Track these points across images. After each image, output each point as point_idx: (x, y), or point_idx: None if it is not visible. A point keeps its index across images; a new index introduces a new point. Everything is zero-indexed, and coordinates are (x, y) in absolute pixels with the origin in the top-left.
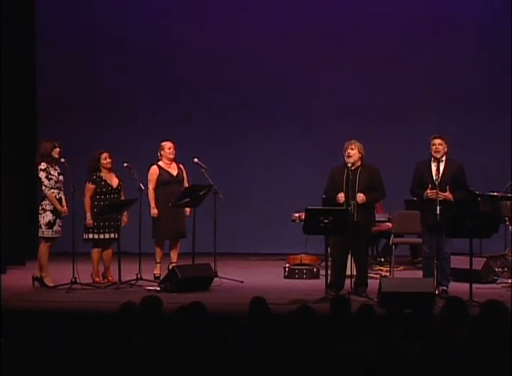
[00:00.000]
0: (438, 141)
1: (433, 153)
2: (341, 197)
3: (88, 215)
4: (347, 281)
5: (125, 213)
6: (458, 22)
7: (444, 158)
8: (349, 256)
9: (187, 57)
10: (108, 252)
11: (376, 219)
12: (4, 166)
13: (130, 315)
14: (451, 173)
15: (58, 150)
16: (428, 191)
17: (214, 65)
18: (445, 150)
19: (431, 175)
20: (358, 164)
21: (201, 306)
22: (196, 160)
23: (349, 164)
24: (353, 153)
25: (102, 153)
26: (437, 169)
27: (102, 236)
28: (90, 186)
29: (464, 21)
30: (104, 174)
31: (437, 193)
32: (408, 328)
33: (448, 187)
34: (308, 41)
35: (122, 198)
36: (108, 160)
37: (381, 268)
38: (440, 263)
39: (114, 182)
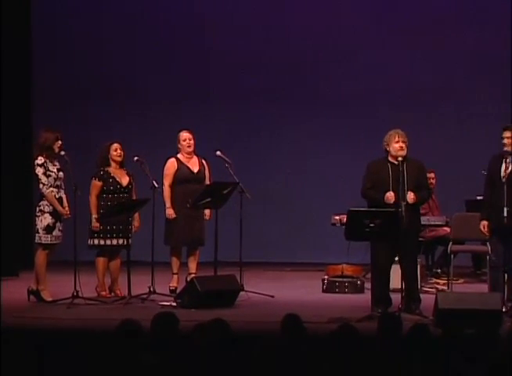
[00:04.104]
0: (507, 134)
1: (505, 148)
2: (391, 196)
3: (94, 216)
4: (397, 296)
5: (136, 216)
6: None
7: None
8: (394, 267)
9: (210, 36)
10: (116, 261)
11: (432, 223)
12: None
13: (132, 336)
14: None
15: (60, 143)
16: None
17: (239, 45)
18: None
19: (499, 173)
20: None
21: (223, 324)
22: (218, 153)
23: (399, 159)
24: (405, 146)
25: (113, 143)
26: (505, 165)
27: (109, 242)
28: (96, 183)
29: None
30: (113, 169)
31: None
32: (469, 352)
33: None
34: (347, 19)
35: (134, 198)
36: (119, 152)
37: (437, 280)
38: (509, 275)
39: (124, 179)
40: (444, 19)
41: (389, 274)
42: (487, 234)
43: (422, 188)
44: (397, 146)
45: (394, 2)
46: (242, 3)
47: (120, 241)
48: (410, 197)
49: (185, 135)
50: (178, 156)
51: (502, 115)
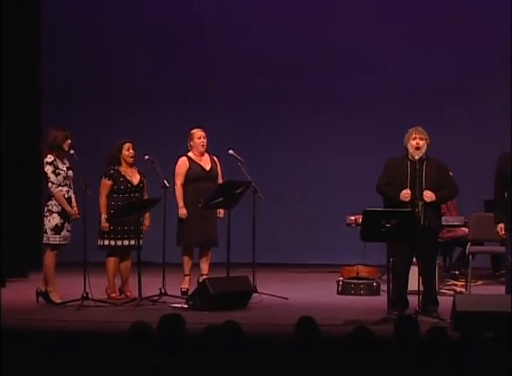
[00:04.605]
0: None
1: None
2: (407, 193)
3: (104, 216)
4: (413, 298)
5: (147, 215)
6: None
7: None
8: (412, 268)
9: (217, 33)
10: (126, 262)
11: (450, 223)
12: (2, 160)
13: (142, 338)
14: None
15: (69, 141)
16: None
17: (247, 43)
18: None
19: None
20: (423, 156)
21: (235, 327)
22: (231, 151)
23: (416, 157)
24: (422, 144)
25: (126, 143)
26: None
27: (120, 243)
28: (106, 183)
29: None
30: (124, 168)
31: None
32: (488, 355)
33: None
34: (348, 19)
35: (146, 197)
36: (131, 151)
37: (455, 282)
38: None
39: (135, 178)
40: (456, 18)
41: (407, 276)
42: (505, 237)
43: (443, 188)
44: (413, 142)
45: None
46: (242, 3)
47: (132, 242)
48: (426, 195)
49: (199, 133)
50: (189, 154)
51: None
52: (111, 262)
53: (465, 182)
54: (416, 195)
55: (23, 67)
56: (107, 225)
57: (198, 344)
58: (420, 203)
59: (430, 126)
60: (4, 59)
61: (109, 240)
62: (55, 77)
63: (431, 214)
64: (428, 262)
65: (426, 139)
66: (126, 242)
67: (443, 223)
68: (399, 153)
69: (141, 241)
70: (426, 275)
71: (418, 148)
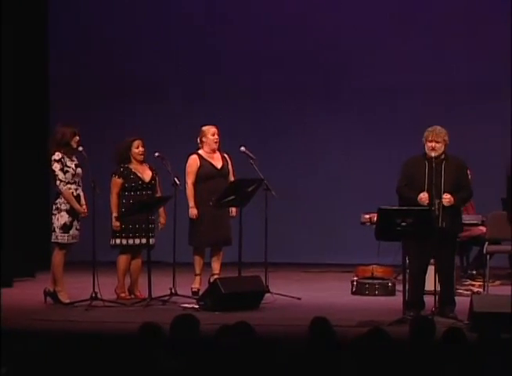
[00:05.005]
0: None
1: None
2: (424, 197)
3: (114, 215)
4: (430, 299)
5: (161, 213)
6: None
7: None
8: (429, 268)
9: (227, 29)
10: (137, 262)
11: (467, 222)
12: (9, 157)
13: (153, 339)
14: None
15: (77, 138)
16: None
17: (258, 37)
18: None
19: None
20: (442, 156)
21: (248, 327)
22: (243, 148)
23: (433, 154)
24: (438, 146)
25: (135, 140)
26: None
27: (131, 242)
28: (117, 181)
29: None
30: (134, 166)
31: None
32: (506, 357)
33: None
34: (366, 11)
35: (158, 194)
36: (141, 149)
37: (473, 282)
38: None
39: (147, 175)
40: (466, 16)
41: (423, 276)
42: None
43: (461, 188)
44: (429, 145)
45: None
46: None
47: (143, 240)
48: (445, 198)
49: (212, 129)
50: (200, 152)
51: None
52: (123, 260)
53: (482, 180)
54: (433, 194)
55: (31, 67)
56: (118, 224)
57: (211, 344)
58: (437, 201)
59: (446, 124)
60: (12, 58)
61: (121, 238)
62: (62, 76)
63: (449, 214)
64: (446, 262)
65: (443, 141)
66: (138, 241)
67: None
68: (413, 153)
69: (152, 240)
70: (443, 275)
71: (433, 151)
